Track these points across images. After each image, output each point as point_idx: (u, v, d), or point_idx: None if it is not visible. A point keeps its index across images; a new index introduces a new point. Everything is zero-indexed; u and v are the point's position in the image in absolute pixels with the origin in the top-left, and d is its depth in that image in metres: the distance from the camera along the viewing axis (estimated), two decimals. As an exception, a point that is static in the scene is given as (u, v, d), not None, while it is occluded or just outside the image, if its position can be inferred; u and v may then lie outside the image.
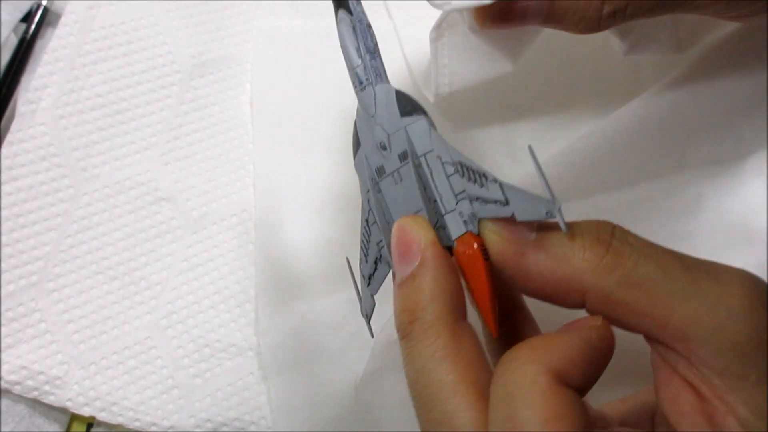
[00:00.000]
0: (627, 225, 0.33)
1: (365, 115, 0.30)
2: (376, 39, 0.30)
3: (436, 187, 0.27)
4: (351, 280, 0.29)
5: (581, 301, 0.25)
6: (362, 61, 0.29)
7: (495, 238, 0.26)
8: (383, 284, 0.28)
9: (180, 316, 0.43)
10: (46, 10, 0.46)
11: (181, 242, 0.44)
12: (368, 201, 0.29)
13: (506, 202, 0.25)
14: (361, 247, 0.29)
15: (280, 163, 0.45)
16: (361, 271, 0.29)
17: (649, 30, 0.33)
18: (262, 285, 0.43)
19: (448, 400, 0.24)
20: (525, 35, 0.34)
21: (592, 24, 0.29)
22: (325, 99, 0.46)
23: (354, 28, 0.30)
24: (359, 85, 0.30)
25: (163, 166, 0.44)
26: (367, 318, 0.28)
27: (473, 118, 0.43)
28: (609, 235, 0.25)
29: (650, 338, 0.25)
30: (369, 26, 0.30)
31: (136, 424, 0.41)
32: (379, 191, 0.29)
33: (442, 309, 0.25)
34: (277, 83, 0.46)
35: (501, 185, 0.26)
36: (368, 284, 0.29)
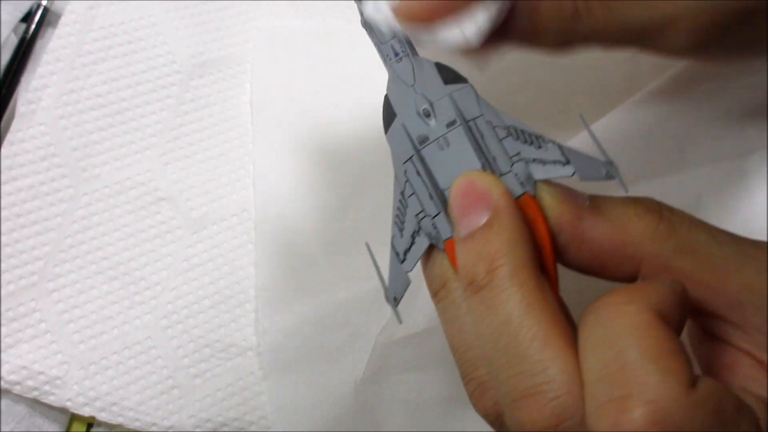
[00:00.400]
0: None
1: (402, 86, 0.29)
2: None
3: (489, 150, 0.27)
4: (372, 266, 0.28)
5: (634, 270, 0.25)
6: (395, 34, 0.29)
7: (552, 201, 0.25)
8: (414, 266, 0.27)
9: (180, 316, 0.43)
10: (46, 10, 0.46)
11: (181, 242, 0.44)
12: (405, 172, 0.28)
13: (567, 162, 0.25)
14: (395, 222, 0.28)
15: (280, 163, 0.45)
16: (395, 248, 0.28)
17: None
18: (262, 285, 0.43)
19: (541, 350, 0.22)
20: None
21: (564, 44, 0.30)
22: (325, 99, 0.46)
23: (378, 9, 0.29)
24: (395, 56, 0.29)
25: (163, 166, 0.44)
26: (396, 302, 0.27)
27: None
28: (659, 206, 0.25)
29: (700, 310, 0.25)
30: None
31: (136, 424, 0.41)
32: (423, 161, 0.28)
33: (524, 256, 0.24)
34: (278, 83, 0.46)
35: (560, 146, 0.26)
36: (402, 260, 0.27)
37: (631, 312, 0.22)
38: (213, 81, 0.47)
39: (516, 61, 0.33)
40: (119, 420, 0.41)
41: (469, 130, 0.27)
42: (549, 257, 0.25)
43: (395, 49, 0.29)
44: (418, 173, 0.28)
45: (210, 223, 0.44)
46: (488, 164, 0.27)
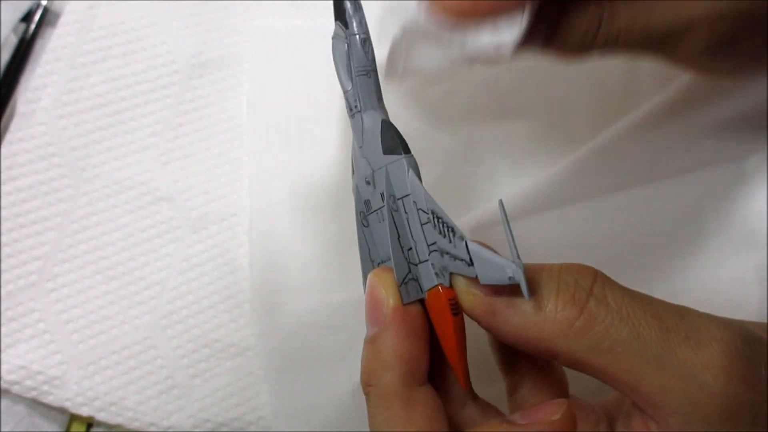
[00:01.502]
0: (626, 227, 0.33)
1: (356, 145, 0.29)
2: (373, 54, 0.29)
3: (411, 235, 0.27)
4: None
5: (553, 358, 0.25)
6: (353, 85, 0.29)
7: (466, 294, 0.26)
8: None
9: (179, 316, 0.43)
10: (45, 10, 0.46)
11: (181, 242, 0.44)
12: (360, 225, 0.29)
13: (470, 263, 0.25)
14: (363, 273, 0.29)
15: (275, 164, 0.45)
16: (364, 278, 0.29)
17: None
18: (258, 287, 0.43)
19: None
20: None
21: (587, 48, 0.30)
22: (323, 100, 0.46)
23: (348, 46, 0.29)
24: (349, 111, 0.29)
25: (162, 166, 0.44)
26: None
27: (471, 120, 0.43)
28: (587, 293, 0.24)
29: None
30: (365, 41, 0.29)
31: (135, 425, 0.41)
32: (367, 225, 0.28)
33: (395, 379, 0.25)
34: (275, 83, 0.46)
35: (467, 244, 0.25)
36: None
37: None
38: (213, 81, 0.46)
39: (514, 62, 0.33)
40: (118, 420, 0.41)
41: (393, 212, 0.27)
42: (454, 354, 0.26)
43: (349, 102, 0.29)
44: (363, 237, 0.28)
45: (210, 223, 0.44)
46: (404, 254, 0.27)
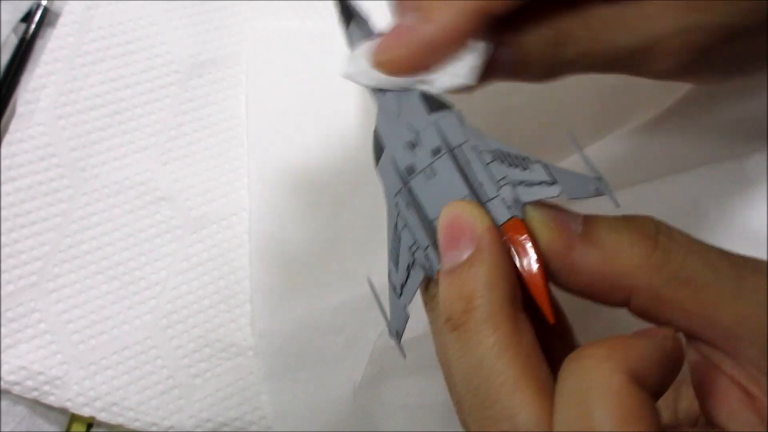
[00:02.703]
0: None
1: (388, 118, 0.29)
2: None
3: (475, 176, 0.26)
4: (374, 298, 0.28)
5: (626, 298, 0.24)
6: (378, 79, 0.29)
7: (542, 229, 0.25)
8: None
9: (180, 316, 0.43)
10: (46, 10, 0.46)
11: (181, 242, 0.44)
12: (396, 205, 0.28)
13: (553, 181, 0.25)
14: (390, 257, 0.28)
15: (275, 164, 0.45)
16: (392, 283, 0.27)
17: None
18: (258, 287, 0.43)
19: (510, 396, 0.22)
20: None
21: (550, 72, 0.29)
22: (321, 99, 0.46)
23: (368, 35, 0.29)
24: (379, 91, 0.29)
25: (162, 165, 0.44)
26: (398, 336, 0.27)
27: (468, 120, 0.43)
28: (655, 230, 0.24)
29: (694, 337, 0.24)
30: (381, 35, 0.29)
31: (136, 425, 0.41)
32: (411, 193, 0.28)
33: (502, 298, 0.23)
34: (274, 83, 0.46)
35: (546, 165, 0.25)
36: (400, 295, 0.27)
37: (606, 370, 0.21)
38: (212, 81, 0.46)
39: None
40: (119, 420, 0.41)
41: (454, 158, 0.27)
42: (538, 286, 0.25)
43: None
44: (408, 205, 0.27)
45: (210, 223, 0.44)
46: (474, 192, 0.26)
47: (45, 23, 0.46)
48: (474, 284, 0.24)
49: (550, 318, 0.25)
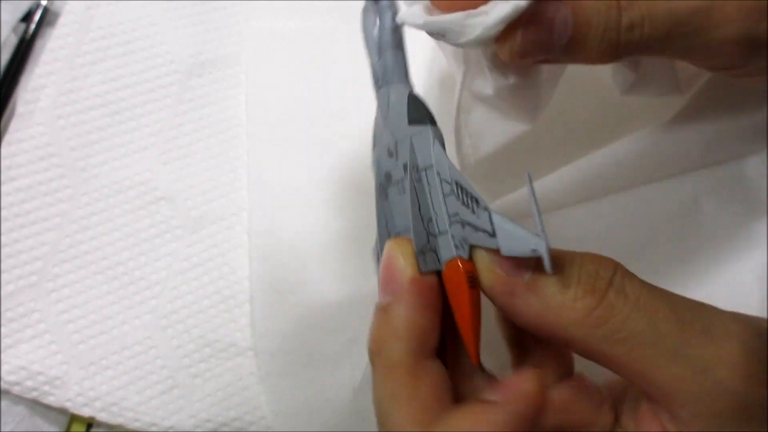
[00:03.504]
0: (625, 228, 0.33)
1: (380, 117, 0.29)
2: (401, 31, 0.29)
3: (432, 206, 0.26)
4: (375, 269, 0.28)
5: (566, 345, 0.25)
6: (380, 57, 0.28)
7: (486, 272, 0.25)
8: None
9: (180, 316, 0.43)
10: (45, 10, 0.46)
11: (181, 242, 0.44)
12: (377, 198, 0.28)
13: (493, 234, 0.25)
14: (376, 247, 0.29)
15: (274, 164, 0.45)
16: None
17: (651, 69, 0.32)
18: (257, 287, 0.43)
19: None
20: (543, 88, 0.33)
21: (612, 47, 0.28)
22: (320, 99, 0.46)
23: (379, 18, 0.29)
24: (376, 83, 0.29)
25: (162, 165, 0.44)
26: None
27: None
28: (606, 283, 0.24)
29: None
30: (396, 14, 0.28)
31: (136, 425, 0.41)
32: (386, 198, 0.28)
33: (404, 350, 0.25)
34: (273, 83, 0.46)
35: (490, 215, 0.25)
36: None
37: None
38: (212, 81, 0.46)
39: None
40: (119, 420, 0.41)
41: (416, 183, 0.27)
42: (468, 328, 0.26)
43: (377, 74, 0.29)
44: (382, 210, 0.28)
45: (209, 223, 0.44)
46: (424, 224, 0.26)
47: (45, 23, 0.46)
48: (384, 332, 0.25)
49: (473, 359, 0.26)
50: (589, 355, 0.24)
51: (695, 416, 0.23)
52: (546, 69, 0.31)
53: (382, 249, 0.28)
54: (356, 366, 0.40)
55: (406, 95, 0.28)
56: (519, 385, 0.25)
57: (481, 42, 0.26)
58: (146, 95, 0.45)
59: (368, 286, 0.41)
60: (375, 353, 0.26)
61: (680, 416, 0.23)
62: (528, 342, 0.28)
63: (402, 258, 0.26)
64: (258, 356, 0.42)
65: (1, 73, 0.44)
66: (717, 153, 0.34)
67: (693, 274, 0.38)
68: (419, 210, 0.27)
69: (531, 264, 0.25)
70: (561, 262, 0.25)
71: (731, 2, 0.28)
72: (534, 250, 0.23)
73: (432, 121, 0.27)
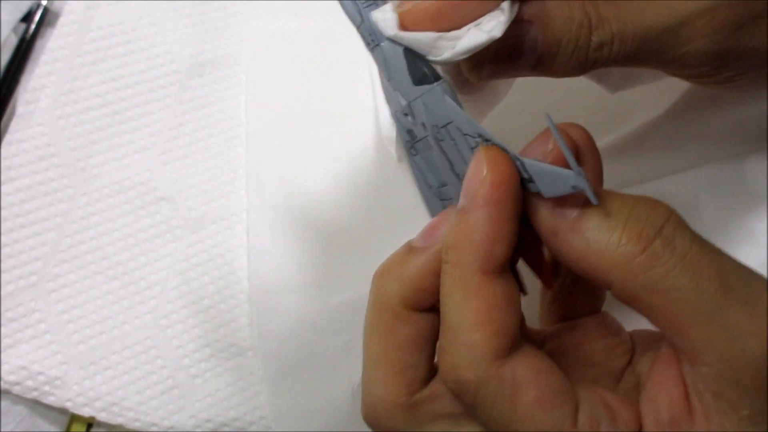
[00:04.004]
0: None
1: (384, 78, 0.28)
2: None
3: (465, 160, 0.26)
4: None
5: (607, 287, 0.24)
6: (363, 19, 0.27)
7: (532, 212, 0.25)
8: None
9: (180, 316, 0.43)
10: (46, 10, 0.46)
11: (181, 242, 0.44)
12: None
13: (530, 179, 0.24)
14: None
15: (274, 164, 0.45)
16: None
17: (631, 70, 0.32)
18: (257, 287, 0.43)
19: (462, 335, 0.24)
20: (500, 91, 0.33)
21: (580, 64, 0.29)
22: (320, 100, 0.45)
23: None
24: (367, 45, 0.28)
25: (162, 165, 0.44)
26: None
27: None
28: (656, 231, 0.23)
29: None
30: None
31: (136, 425, 0.41)
32: (417, 153, 0.28)
33: (475, 253, 0.24)
34: (273, 83, 0.46)
35: (522, 161, 0.24)
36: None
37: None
38: (212, 81, 0.46)
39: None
40: (119, 420, 0.41)
41: (440, 142, 0.26)
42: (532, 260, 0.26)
43: (365, 37, 0.28)
44: (415, 163, 0.28)
45: (209, 223, 0.44)
46: (460, 182, 0.26)
47: (45, 23, 0.46)
48: (459, 235, 0.25)
49: (546, 285, 0.27)
50: (627, 300, 0.24)
51: (718, 377, 0.23)
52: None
53: (429, 206, 0.28)
54: (356, 366, 0.40)
55: (402, 52, 0.27)
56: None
57: (448, 63, 0.27)
58: (146, 95, 0.45)
59: (367, 286, 0.41)
60: (444, 256, 0.25)
61: (703, 374, 0.23)
62: (561, 271, 0.28)
63: (490, 163, 0.25)
64: (258, 356, 0.42)
65: (1, 73, 0.44)
66: (716, 151, 0.34)
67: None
68: (452, 168, 0.26)
69: (578, 203, 0.24)
70: (611, 203, 0.24)
71: (701, 19, 0.28)
72: (575, 186, 0.23)
73: (437, 76, 0.27)
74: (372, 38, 0.27)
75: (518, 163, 0.24)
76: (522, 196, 0.25)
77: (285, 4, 0.48)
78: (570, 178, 0.23)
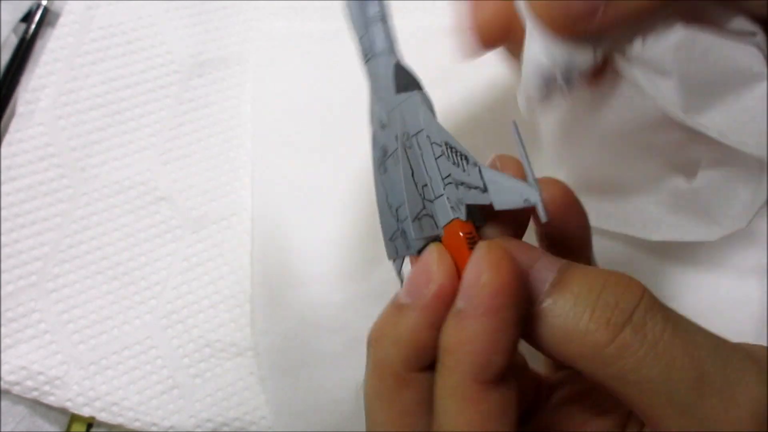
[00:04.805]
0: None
1: (371, 91, 0.28)
2: (385, 3, 0.28)
3: (426, 170, 0.26)
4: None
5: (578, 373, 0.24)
6: (367, 31, 0.28)
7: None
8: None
9: (180, 316, 0.43)
10: (46, 10, 0.46)
11: (181, 242, 0.44)
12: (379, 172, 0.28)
13: (485, 189, 0.24)
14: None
15: (278, 165, 0.45)
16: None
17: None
18: (259, 286, 0.43)
19: None
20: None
21: None
22: (324, 100, 0.45)
23: None
24: (364, 57, 0.28)
25: (162, 165, 0.44)
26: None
27: (464, 131, 0.43)
28: (625, 318, 0.22)
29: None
30: None
31: (136, 425, 0.41)
32: (385, 171, 0.27)
33: (474, 363, 0.23)
34: (277, 84, 0.46)
35: (480, 169, 0.24)
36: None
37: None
38: (212, 81, 0.46)
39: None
40: (119, 420, 0.41)
41: (407, 150, 0.26)
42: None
43: (363, 48, 0.28)
44: (381, 184, 0.28)
45: (210, 223, 0.44)
46: (419, 190, 0.26)
47: (45, 23, 0.46)
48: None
49: None
50: (600, 387, 0.23)
51: None
52: None
53: (384, 224, 0.27)
54: (357, 366, 0.40)
55: (393, 66, 0.27)
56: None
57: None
58: (146, 95, 0.45)
59: (369, 285, 0.41)
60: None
61: None
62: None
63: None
64: (258, 356, 0.42)
65: (2, 73, 0.44)
66: (717, 152, 0.34)
67: (693, 274, 0.38)
68: (413, 176, 0.26)
69: (543, 286, 0.23)
70: (580, 284, 0.23)
71: None
72: (527, 200, 0.23)
73: (418, 86, 0.27)
74: (370, 51, 0.28)
75: (478, 168, 0.24)
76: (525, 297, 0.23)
77: (285, 4, 0.48)
78: (524, 191, 0.23)
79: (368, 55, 0.28)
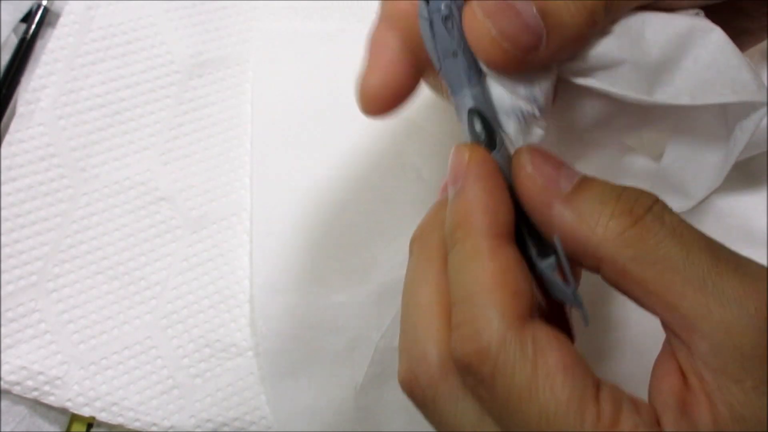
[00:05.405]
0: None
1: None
2: (460, 32, 0.26)
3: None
4: None
5: (597, 266, 0.25)
6: (441, 67, 0.27)
7: (525, 178, 0.25)
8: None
9: (180, 316, 0.43)
10: (46, 10, 0.46)
11: (181, 242, 0.44)
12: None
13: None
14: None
15: (278, 165, 0.45)
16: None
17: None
18: (259, 287, 0.43)
19: (476, 298, 0.24)
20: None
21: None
22: (325, 101, 0.45)
23: (431, 24, 0.26)
24: (449, 91, 0.28)
25: (162, 165, 0.44)
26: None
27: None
28: (644, 209, 0.24)
29: (661, 321, 0.25)
30: (447, 18, 0.26)
31: (136, 425, 0.41)
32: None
33: (481, 220, 0.25)
34: (278, 84, 0.46)
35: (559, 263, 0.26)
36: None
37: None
38: (212, 81, 0.46)
39: None
40: (119, 420, 0.41)
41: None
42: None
43: (445, 83, 0.28)
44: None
45: (210, 223, 0.44)
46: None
47: (45, 23, 0.46)
48: (460, 208, 0.25)
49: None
50: (616, 277, 0.24)
51: (715, 349, 0.22)
52: None
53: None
54: (357, 366, 0.40)
55: (466, 113, 0.27)
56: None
57: None
58: (146, 95, 0.45)
59: (369, 286, 0.41)
60: (451, 233, 0.25)
61: (699, 350, 0.23)
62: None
63: (468, 148, 0.26)
64: (258, 356, 0.42)
65: (2, 73, 0.44)
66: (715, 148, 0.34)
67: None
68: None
69: (574, 180, 0.25)
70: (603, 185, 0.25)
71: None
72: (571, 303, 0.25)
73: (493, 143, 0.27)
74: (451, 86, 0.27)
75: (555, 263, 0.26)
76: (507, 173, 0.26)
77: (285, 4, 0.48)
78: (568, 294, 0.25)
79: (450, 91, 0.28)
